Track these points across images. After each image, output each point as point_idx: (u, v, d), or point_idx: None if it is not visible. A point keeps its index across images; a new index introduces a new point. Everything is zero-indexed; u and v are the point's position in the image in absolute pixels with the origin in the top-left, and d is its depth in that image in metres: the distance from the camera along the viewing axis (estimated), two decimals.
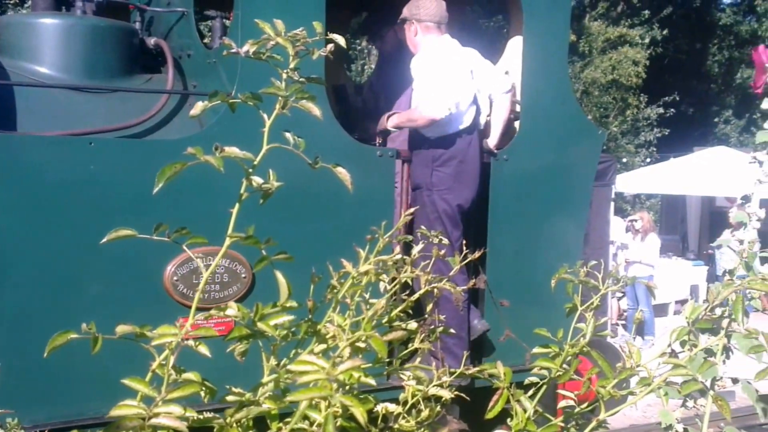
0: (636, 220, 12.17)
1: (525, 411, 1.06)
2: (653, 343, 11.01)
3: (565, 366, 1.23)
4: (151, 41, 4.14)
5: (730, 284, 1.37)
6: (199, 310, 1.22)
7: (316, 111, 1.20)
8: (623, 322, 12.78)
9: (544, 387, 1.29)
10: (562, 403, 1.27)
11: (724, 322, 1.49)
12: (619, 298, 12.53)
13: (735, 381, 1.52)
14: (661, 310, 13.01)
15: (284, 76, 1.17)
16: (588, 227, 12.18)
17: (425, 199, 4.19)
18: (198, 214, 3.29)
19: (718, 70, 28.80)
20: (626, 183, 16.35)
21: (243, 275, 3.59)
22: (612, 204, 12.28)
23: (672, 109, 22.18)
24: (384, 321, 1.16)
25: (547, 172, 4.67)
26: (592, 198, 12.28)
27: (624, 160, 20.74)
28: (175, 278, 3.44)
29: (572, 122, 4.76)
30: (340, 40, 1.28)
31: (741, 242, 1.62)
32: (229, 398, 1.10)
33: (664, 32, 23.93)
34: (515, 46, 4.71)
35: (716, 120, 28.64)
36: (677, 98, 22.60)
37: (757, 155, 1.67)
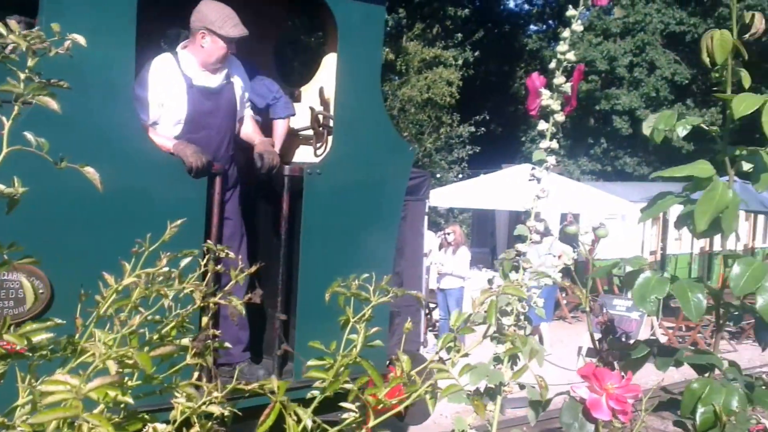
0: (449, 233, 12.62)
1: (299, 423, 1.07)
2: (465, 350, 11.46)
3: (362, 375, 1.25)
4: None
5: (487, 291, 1.46)
6: None
7: (53, 105, 1.18)
8: (436, 332, 13.23)
9: (346, 397, 1.31)
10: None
11: (510, 331, 1.59)
12: (432, 309, 12.95)
13: (522, 387, 1.60)
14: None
15: (23, 76, 1.15)
16: (403, 240, 12.53)
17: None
18: None
19: (525, 92, 30.58)
20: (440, 197, 16.96)
21: (41, 291, 3.41)
22: (426, 218, 12.72)
23: (483, 128, 23.25)
24: (155, 337, 1.15)
25: (359, 187, 4.75)
26: (407, 212, 12.66)
27: (438, 175, 21.48)
28: None
29: (384, 138, 4.88)
30: (81, 39, 1.26)
31: (520, 254, 1.69)
32: None
33: (476, 54, 25.13)
34: (330, 62, 4.79)
35: (523, 139, 30.40)
36: (487, 118, 23.75)
37: (535, 172, 1.74)
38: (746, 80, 1.76)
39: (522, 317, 1.65)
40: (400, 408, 1.22)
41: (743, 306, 1.75)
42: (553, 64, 1.68)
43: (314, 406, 1.18)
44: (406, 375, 1.28)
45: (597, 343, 1.89)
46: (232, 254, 1.35)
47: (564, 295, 15.14)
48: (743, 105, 1.65)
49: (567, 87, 1.68)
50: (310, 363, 1.28)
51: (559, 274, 1.76)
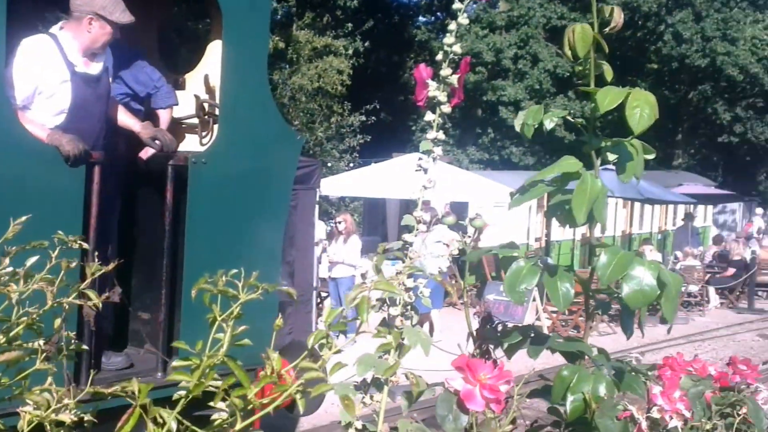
0: (340, 222, 12.63)
1: (164, 426, 1.03)
2: (355, 340, 11.52)
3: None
4: None
5: (359, 287, 1.47)
6: None
7: None
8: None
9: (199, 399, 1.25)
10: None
11: (397, 321, 1.59)
12: (324, 298, 12.94)
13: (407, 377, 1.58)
14: None
15: None
16: (294, 230, 12.47)
17: None
18: None
19: (414, 82, 30.89)
20: (331, 186, 16.94)
21: None
22: (317, 207, 12.66)
23: (373, 117, 23.33)
24: (2, 341, 1.07)
25: (246, 177, 4.67)
26: (298, 201, 12.58)
27: (329, 164, 21.43)
28: None
29: (271, 127, 4.81)
30: None
31: (408, 244, 1.69)
32: None
33: (366, 44, 25.18)
34: (215, 49, 4.69)
35: (413, 128, 30.72)
36: (377, 107, 23.85)
37: (422, 162, 1.74)
38: (608, 73, 1.79)
39: (409, 307, 1.64)
40: (269, 409, 1.20)
41: (611, 294, 1.79)
42: (440, 56, 1.70)
43: (181, 408, 1.14)
44: (276, 373, 1.26)
45: (475, 333, 1.90)
46: (86, 245, 1.28)
47: (454, 282, 15.45)
48: (607, 99, 1.68)
49: (454, 79, 1.69)
50: (175, 364, 1.24)
51: (447, 262, 1.77)
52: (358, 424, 1.51)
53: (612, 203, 20.77)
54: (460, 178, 16.30)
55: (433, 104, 1.71)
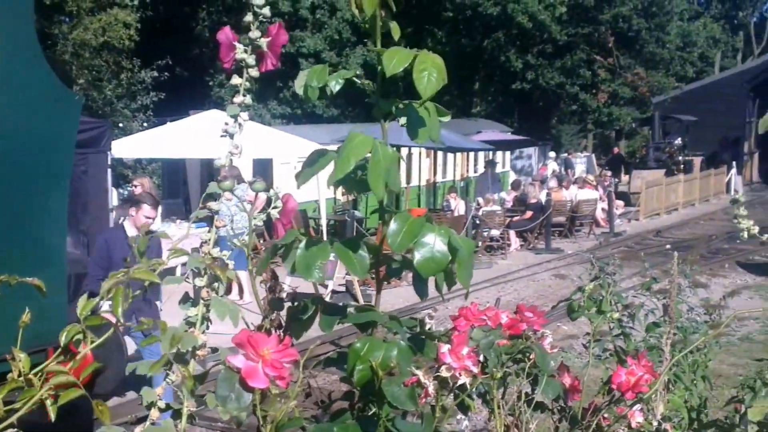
0: (136, 186, 11.84)
1: None
2: (161, 308, 10.86)
3: None
4: None
5: (115, 276, 1.39)
6: None
7: None
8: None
9: None
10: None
11: (203, 293, 1.54)
12: None
13: (215, 350, 1.55)
14: (170, 273, 12.94)
15: None
16: (87, 196, 11.47)
17: None
18: None
19: (209, 34, 29.71)
20: (125, 148, 15.86)
21: None
22: (110, 170, 11.73)
23: (167, 73, 22.22)
24: None
25: (18, 142, 4.15)
26: (88, 166, 11.56)
27: (121, 125, 20.19)
28: None
29: (43, 88, 4.26)
30: None
31: (214, 212, 1.62)
32: None
33: None
34: None
35: (211, 84, 29.60)
36: (170, 62, 22.72)
37: (228, 128, 1.62)
38: (396, 32, 1.75)
39: (214, 278, 1.57)
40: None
41: (403, 260, 1.82)
42: (249, 17, 1.60)
43: None
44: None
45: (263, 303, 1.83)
46: None
47: (262, 242, 15.01)
48: (394, 61, 1.65)
49: (263, 42, 1.61)
50: None
51: (260, 221, 1.72)
52: (162, 403, 1.49)
53: (416, 153, 21.12)
54: (263, 134, 15.79)
55: (240, 67, 1.62)
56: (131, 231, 6.82)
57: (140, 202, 6.97)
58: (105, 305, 1.45)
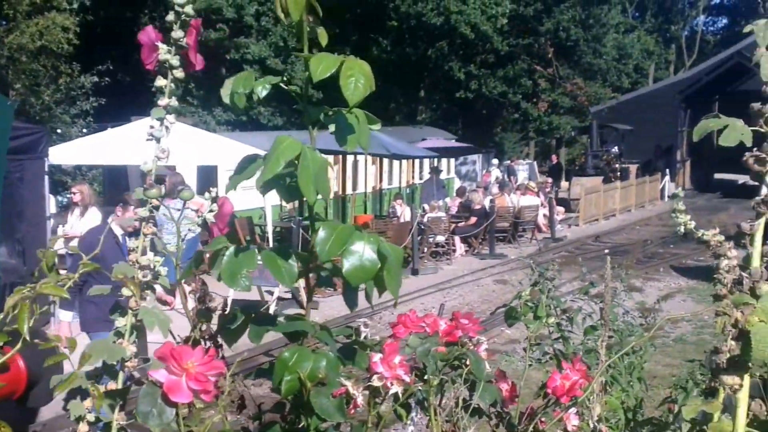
0: (75, 193, 11.59)
1: None
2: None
3: None
4: None
5: (20, 291, 1.34)
6: None
7: None
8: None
9: None
10: None
11: (132, 302, 1.51)
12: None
13: (146, 360, 1.50)
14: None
15: None
16: (22, 203, 11.15)
17: None
18: None
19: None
20: (64, 155, 15.53)
21: None
22: (48, 177, 11.45)
23: (107, 78, 21.82)
24: None
25: None
26: (23, 172, 11.25)
27: (59, 131, 19.73)
28: None
29: None
30: None
31: (145, 220, 1.59)
32: None
33: None
34: None
35: (153, 89, 29.07)
36: (111, 67, 22.33)
37: (154, 132, 1.63)
38: (323, 38, 1.72)
39: (145, 288, 1.56)
40: None
41: (333, 269, 1.79)
42: (171, 17, 1.56)
43: None
44: None
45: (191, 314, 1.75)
46: None
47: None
48: (320, 67, 1.63)
49: (185, 42, 1.59)
50: None
51: (197, 228, 1.73)
52: (91, 417, 1.47)
53: (362, 160, 21.11)
54: (208, 141, 15.61)
55: (164, 69, 1.59)
56: (118, 231, 6.75)
57: (128, 203, 7.06)
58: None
